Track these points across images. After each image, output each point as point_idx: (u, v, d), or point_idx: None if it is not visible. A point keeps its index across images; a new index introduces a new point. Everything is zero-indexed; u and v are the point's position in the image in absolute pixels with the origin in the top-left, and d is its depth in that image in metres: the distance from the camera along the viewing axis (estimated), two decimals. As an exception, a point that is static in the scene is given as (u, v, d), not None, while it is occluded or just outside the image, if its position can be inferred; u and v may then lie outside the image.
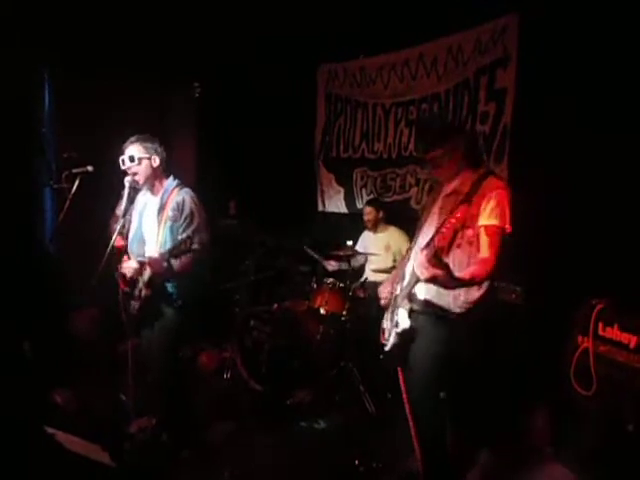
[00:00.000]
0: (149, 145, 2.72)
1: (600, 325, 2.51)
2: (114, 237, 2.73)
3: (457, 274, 2.05)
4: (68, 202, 3.03)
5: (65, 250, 3.98)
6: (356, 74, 4.93)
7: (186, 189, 2.76)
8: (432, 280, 2.04)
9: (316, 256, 4.26)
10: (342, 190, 5.20)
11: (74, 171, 3.06)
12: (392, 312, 2.32)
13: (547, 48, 3.25)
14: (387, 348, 2.31)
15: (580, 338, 2.59)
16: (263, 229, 4.56)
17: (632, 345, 2.35)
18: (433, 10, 3.84)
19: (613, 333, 2.45)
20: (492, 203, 2.09)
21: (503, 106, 3.66)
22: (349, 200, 5.13)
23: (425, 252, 2.01)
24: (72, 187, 3.03)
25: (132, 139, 2.73)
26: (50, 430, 1.83)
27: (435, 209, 2.31)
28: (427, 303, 2.19)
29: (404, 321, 2.21)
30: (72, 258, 3.98)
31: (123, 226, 3.15)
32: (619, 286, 2.62)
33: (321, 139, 5.37)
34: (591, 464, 2.44)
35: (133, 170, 2.69)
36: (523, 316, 2.99)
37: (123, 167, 2.71)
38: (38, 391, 2.69)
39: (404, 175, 4.57)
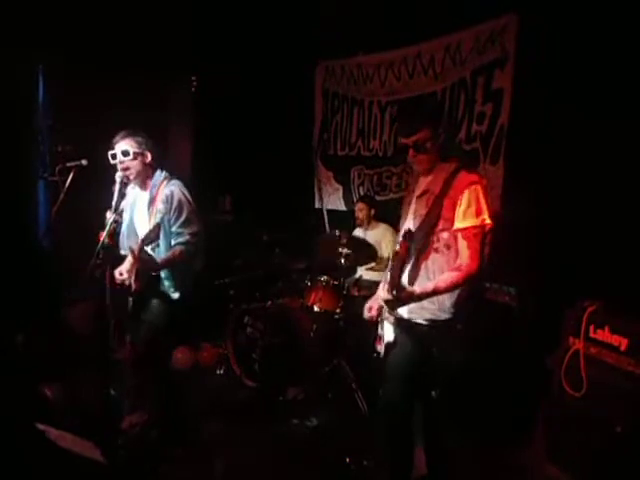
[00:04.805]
0: (141, 140, 2.69)
1: (591, 327, 2.53)
2: (105, 232, 2.72)
3: (431, 284, 2.01)
4: (62, 196, 3.02)
5: (59, 244, 3.95)
6: (353, 71, 4.92)
7: (174, 181, 2.75)
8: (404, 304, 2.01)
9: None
10: (341, 188, 5.21)
11: (68, 164, 3.05)
12: (382, 322, 2.28)
13: (545, 49, 3.26)
14: (382, 355, 2.29)
15: (571, 340, 2.60)
16: (258, 225, 4.55)
17: (623, 347, 2.37)
18: (432, 9, 3.83)
19: (604, 335, 2.47)
20: (465, 203, 2.00)
21: (500, 107, 3.67)
22: (347, 198, 5.13)
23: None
24: (66, 180, 3.02)
25: (122, 133, 2.68)
26: (41, 427, 1.83)
27: (409, 213, 2.22)
28: (410, 314, 2.14)
29: (389, 334, 2.19)
30: (66, 252, 3.96)
31: (114, 222, 3.14)
32: (612, 288, 2.64)
33: (319, 136, 5.36)
34: (581, 465, 2.46)
35: (126, 165, 2.65)
36: (517, 317, 3.00)
37: (113, 162, 2.66)
38: (30, 386, 2.68)
39: (400, 173, 4.57)
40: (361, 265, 3.98)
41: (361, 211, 4.19)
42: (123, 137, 2.67)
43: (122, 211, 2.84)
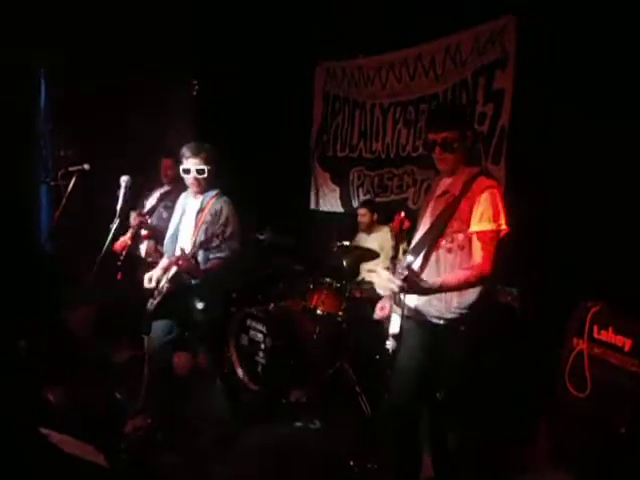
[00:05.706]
0: (211, 155, 2.71)
1: (595, 328, 2.52)
2: (109, 237, 2.73)
3: (439, 279, 2.00)
4: (64, 200, 3.03)
5: (61, 248, 3.96)
6: (354, 73, 4.92)
7: (225, 198, 2.81)
8: (410, 290, 1.97)
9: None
10: (338, 189, 5.20)
11: (70, 169, 3.06)
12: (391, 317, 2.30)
13: (545, 49, 3.26)
14: (390, 351, 2.30)
15: (575, 340, 2.60)
16: (259, 227, 4.55)
17: (626, 348, 2.37)
18: (432, 10, 3.83)
19: (608, 336, 2.46)
20: (482, 206, 2.01)
21: (501, 107, 3.67)
22: (345, 199, 5.13)
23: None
24: (68, 185, 3.03)
25: (194, 148, 2.68)
26: (44, 431, 1.83)
27: (427, 211, 2.25)
28: (417, 310, 2.15)
29: (395, 326, 2.16)
30: (68, 256, 3.97)
31: (139, 224, 3.15)
32: (614, 288, 2.63)
33: (317, 138, 5.36)
34: (584, 466, 2.45)
35: (198, 182, 2.71)
36: (519, 318, 3.00)
37: (185, 176, 2.71)
38: (32, 390, 2.68)
39: (401, 175, 4.57)
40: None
41: (364, 217, 4.22)
42: (195, 153, 2.68)
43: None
